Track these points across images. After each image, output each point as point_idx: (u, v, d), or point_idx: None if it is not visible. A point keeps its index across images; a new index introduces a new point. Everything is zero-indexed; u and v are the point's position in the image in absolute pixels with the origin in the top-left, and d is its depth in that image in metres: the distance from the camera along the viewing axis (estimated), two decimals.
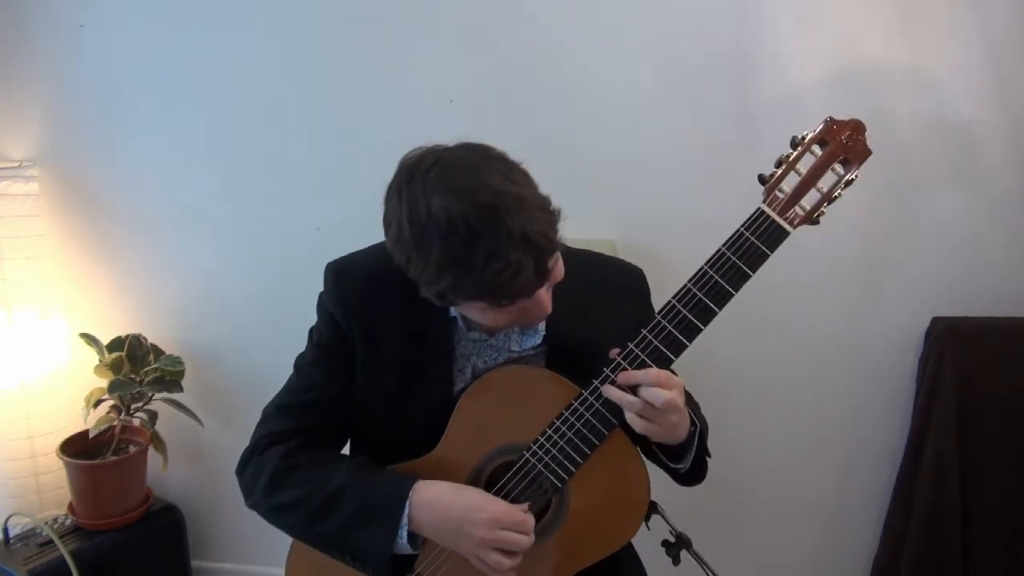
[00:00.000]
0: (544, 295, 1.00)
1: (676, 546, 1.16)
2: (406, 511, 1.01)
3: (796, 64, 1.61)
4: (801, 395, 1.78)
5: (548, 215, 0.94)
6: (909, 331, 1.70)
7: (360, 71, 1.80)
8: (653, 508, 1.19)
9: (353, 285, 1.10)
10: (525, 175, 0.96)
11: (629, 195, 1.74)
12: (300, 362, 1.16)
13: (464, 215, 0.88)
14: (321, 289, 1.14)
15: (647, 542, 1.18)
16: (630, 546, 1.23)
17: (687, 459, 1.08)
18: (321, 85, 1.83)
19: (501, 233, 0.89)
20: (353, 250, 1.15)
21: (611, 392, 1.01)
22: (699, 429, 1.08)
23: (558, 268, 0.99)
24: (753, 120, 1.65)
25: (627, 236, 1.73)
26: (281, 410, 1.13)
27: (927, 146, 1.60)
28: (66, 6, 1.90)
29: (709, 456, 1.13)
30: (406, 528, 1.01)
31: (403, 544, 1.02)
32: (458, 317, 1.10)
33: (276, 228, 1.93)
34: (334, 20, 1.79)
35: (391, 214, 0.96)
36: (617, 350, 1.02)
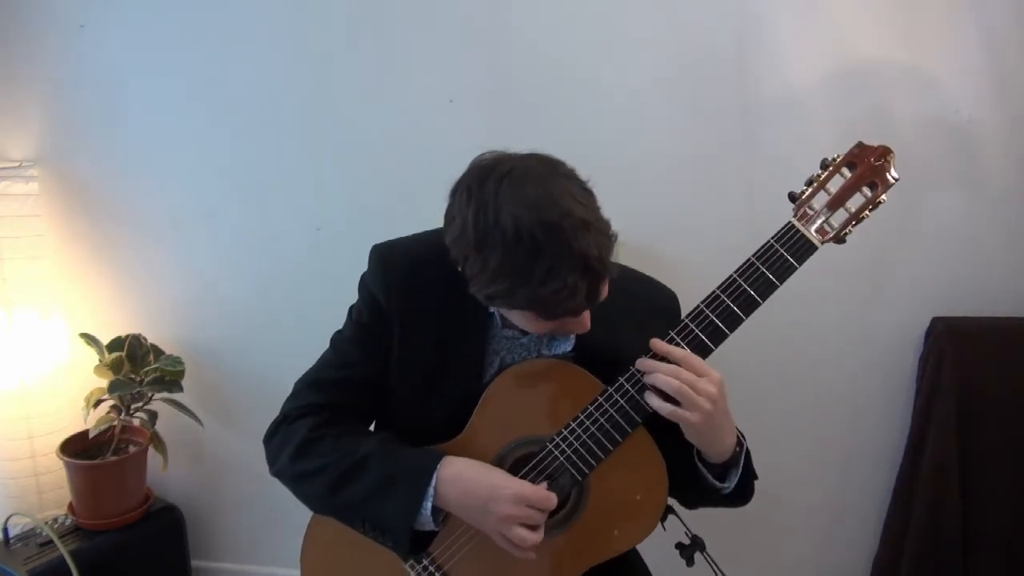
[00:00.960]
0: (585, 314, 1.02)
1: (691, 548, 1.16)
2: (432, 483, 1.02)
3: (796, 64, 1.61)
4: (801, 395, 1.78)
5: (607, 240, 0.96)
6: (909, 331, 1.70)
7: (360, 71, 1.80)
8: (669, 510, 1.19)
9: (396, 268, 1.12)
10: (591, 195, 0.98)
11: (629, 195, 1.74)
12: (337, 338, 1.17)
13: (531, 229, 0.90)
14: (324, 286, 1.14)
15: (657, 544, 1.18)
16: (635, 548, 1.23)
17: (732, 477, 1.08)
18: (321, 85, 1.83)
19: (563, 253, 0.91)
20: (353, 250, 1.16)
21: (646, 363, 1.02)
22: (746, 448, 1.08)
23: (604, 288, 1.00)
24: (753, 120, 1.65)
25: (627, 236, 1.72)
26: (313, 384, 1.14)
27: (927, 146, 1.60)
28: (66, 6, 1.90)
29: (756, 477, 1.12)
30: (431, 500, 1.02)
31: (426, 517, 1.02)
32: (496, 314, 1.11)
33: (276, 228, 1.93)
34: (334, 20, 1.79)
35: (456, 210, 0.97)
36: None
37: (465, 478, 1.03)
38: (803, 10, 1.59)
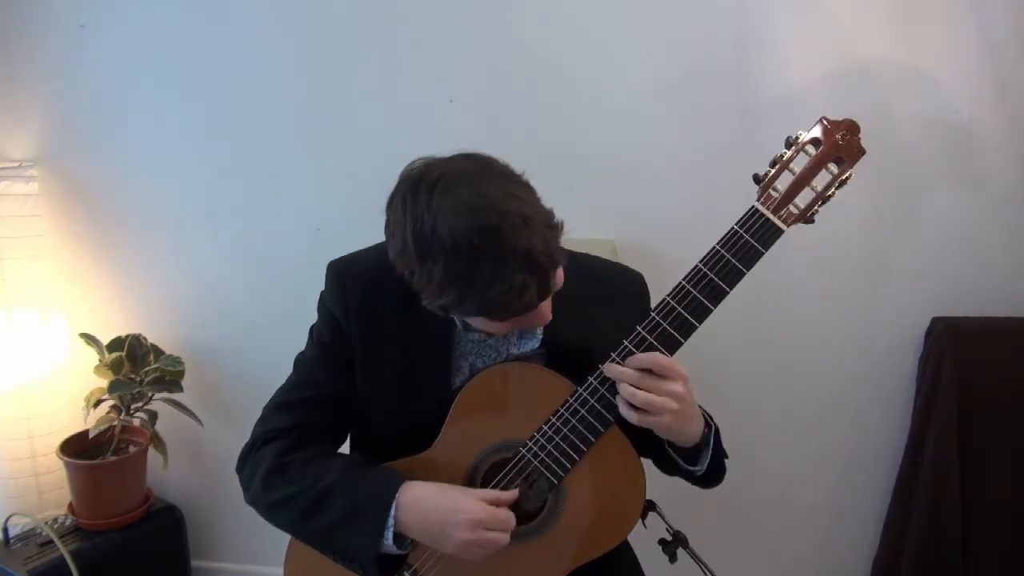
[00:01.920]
0: (544, 306, 1.00)
1: (672, 544, 1.16)
2: (392, 512, 1.01)
3: (796, 64, 1.61)
4: (801, 395, 1.78)
5: (551, 231, 0.93)
6: (909, 331, 1.70)
7: (360, 71, 1.80)
8: (650, 506, 1.19)
9: (353, 284, 1.11)
10: (527, 188, 0.96)
11: (629, 195, 1.74)
12: (300, 360, 1.17)
13: (469, 236, 0.88)
14: (322, 288, 1.14)
15: (645, 540, 1.18)
16: (627, 544, 1.23)
17: (703, 461, 1.08)
18: (321, 85, 1.83)
19: (505, 254, 0.89)
20: (353, 250, 1.16)
21: (612, 369, 1.01)
22: (715, 429, 1.08)
23: (558, 278, 0.99)
24: (753, 120, 1.65)
25: (627, 236, 1.73)
26: (280, 407, 1.14)
27: (927, 146, 1.60)
28: (66, 6, 1.90)
29: (727, 457, 1.12)
30: (391, 530, 1.01)
31: (389, 545, 1.02)
32: (456, 319, 1.10)
33: (276, 228, 1.93)
34: (334, 20, 1.79)
35: (394, 226, 0.95)
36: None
37: (423, 505, 1.02)
38: (803, 10, 1.59)
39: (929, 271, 1.67)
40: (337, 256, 1.16)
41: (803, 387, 1.78)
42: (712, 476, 1.11)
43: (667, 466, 1.14)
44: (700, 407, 1.08)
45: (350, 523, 1.02)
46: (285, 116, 1.86)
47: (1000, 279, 1.65)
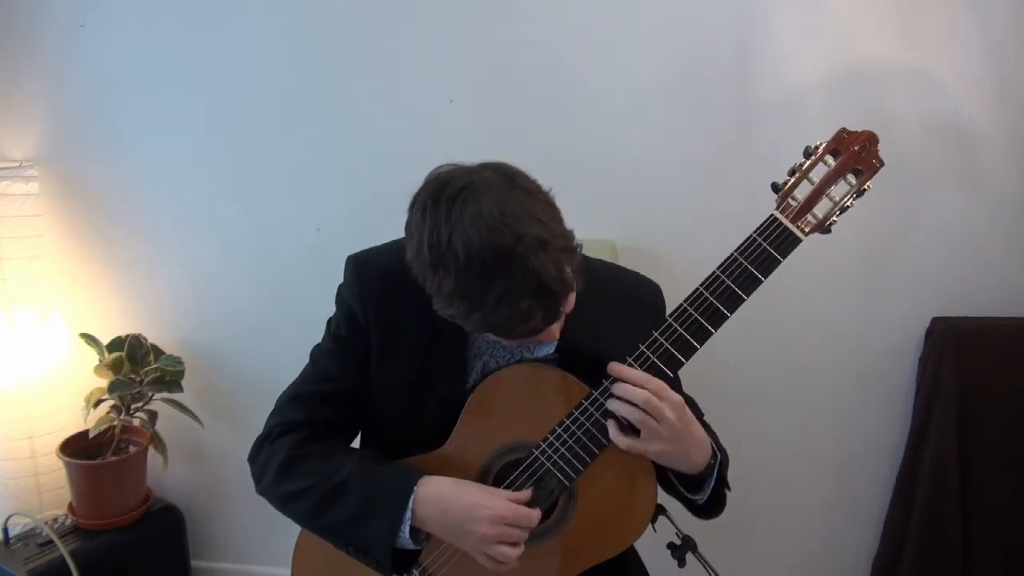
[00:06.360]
0: (552, 326, 0.99)
1: (682, 548, 1.15)
2: (409, 506, 1.01)
3: (796, 64, 1.61)
4: (801, 395, 1.78)
5: (567, 255, 0.92)
6: (909, 331, 1.70)
7: (360, 71, 1.80)
8: (660, 510, 1.19)
9: (373, 278, 1.11)
10: (550, 208, 0.95)
11: (629, 195, 1.74)
12: (316, 352, 1.17)
13: (482, 254, 0.88)
14: (326, 285, 1.14)
15: (652, 544, 1.18)
16: (633, 549, 1.23)
17: (705, 490, 1.07)
18: (321, 85, 1.83)
19: (516, 277, 0.88)
20: (352, 250, 1.16)
21: (618, 370, 1.01)
22: (720, 460, 1.07)
23: (569, 301, 0.97)
24: (753, 120, 1.65)
25: (627, 236, 1.73)
26: (295, 400, 1.14)
27: (927, 146, 1.60)
28: (66, 6, 1.90)
29: (729, 489, 1.11)
30: (408, 524, 1.01)
31: (405, 539, 1.02)
32: None
33: (276, 228, 1.93)
34: (335, 20, 1.79)
35: (413, 228, 0.95)
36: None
37: (443, 498, 1.02)
38: (803, 10, 1.59)
39: (929, 271, 1.67)
40: (336, 256, 1.16)
41: (803, 387, 1.78)
42: (711, 507, 1.10)
43: (670, 490, 1.13)
44: (713, 436, 1.08)
45: (367, 516, 1.02)
46: (285, 116, 1.86)
47: (1000, 279, 1.65)
